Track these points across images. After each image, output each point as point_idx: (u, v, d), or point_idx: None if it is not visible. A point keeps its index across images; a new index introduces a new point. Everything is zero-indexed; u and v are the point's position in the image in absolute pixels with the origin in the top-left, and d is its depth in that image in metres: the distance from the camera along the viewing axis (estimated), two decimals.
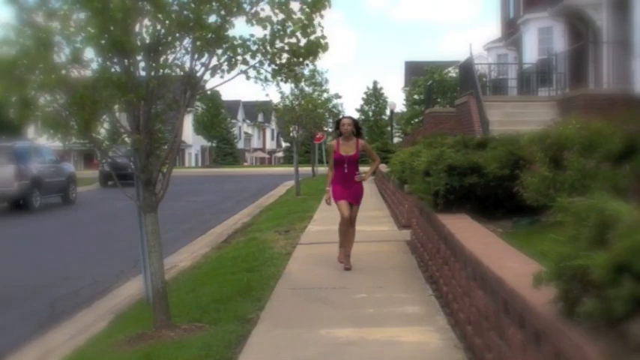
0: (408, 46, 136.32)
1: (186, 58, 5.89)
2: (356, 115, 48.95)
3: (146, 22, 5.68)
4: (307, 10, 5.87)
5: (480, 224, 6.10)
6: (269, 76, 6.15)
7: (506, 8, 26.95)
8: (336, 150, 8.14)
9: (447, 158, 6.97)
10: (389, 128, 43.19)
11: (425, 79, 34.52)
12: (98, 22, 5.25)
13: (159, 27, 5.66)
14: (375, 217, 12.53)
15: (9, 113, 6.02)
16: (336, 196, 8.13)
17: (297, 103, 20.51)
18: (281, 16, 5.89)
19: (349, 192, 8.08)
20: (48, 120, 5.73)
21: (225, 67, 5.96)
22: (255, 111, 37.65)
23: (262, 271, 8.31)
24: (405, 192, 10.44)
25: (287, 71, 6.13)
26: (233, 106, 71.19)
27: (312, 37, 5.96)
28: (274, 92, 41.99)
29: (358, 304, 6.34)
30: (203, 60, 5.88)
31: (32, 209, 19.20)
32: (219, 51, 5.86)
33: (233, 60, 5.90)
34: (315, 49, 5.97)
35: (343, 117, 8.62)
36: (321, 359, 4.91)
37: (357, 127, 8.27)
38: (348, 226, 8.11)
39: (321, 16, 5.91)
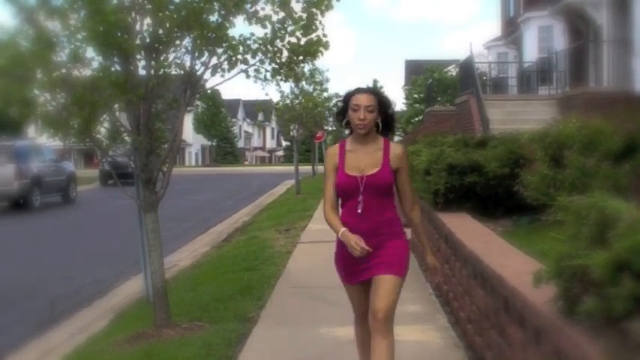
0: (408, 44, 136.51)
1: (187, 57, 5.89)
2: None
3: (146, 21, 5.67)
4: (310, 9, 5.86)
5: (480, 223, 6.10)
6: (269, 75, 6.15)
7: (506, 7, 26.94)
8: (340, 164, 3.77)
9: (447, 157, 6.97)
10: None
11: (425, 78, 34.50)
12: (94, 24, 5.25)
13: (158, 26, 5.66)
14: None
15: (9, 112, 6.03)
16: (342, 272, 3.90)
17: (297, 101, 20.52)
18: (281, 15, 5.89)
19: (368, 260, 3.67)
20: (48, 119, 5.73)
21: (225, 66, 5.95)
22: (255, 110, 37.62)
23: (263, 269, 8.32)
24: None
25: (287, 70, 6.13)
26: (233, 104, 71.20)
27: (312, 37, 5.95)
28: (274, 91, 41.96)
29: None
30: (203, 59, 5.87)
31: (32, 208, 19.20)
32: (220, 50, 5.86)
33: (233, 59, 5.90)
34: (315, 48, 5.97)
35: (357, 90, 3.79)
36: (322, 358, 4.91)
37: (385, 115, 3.81)
38: (367, 331, 3.80)
39: (322, 16, 5.90)
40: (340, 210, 3.80)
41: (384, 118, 3.80)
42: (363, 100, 3.70)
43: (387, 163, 3.73)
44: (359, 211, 3.67)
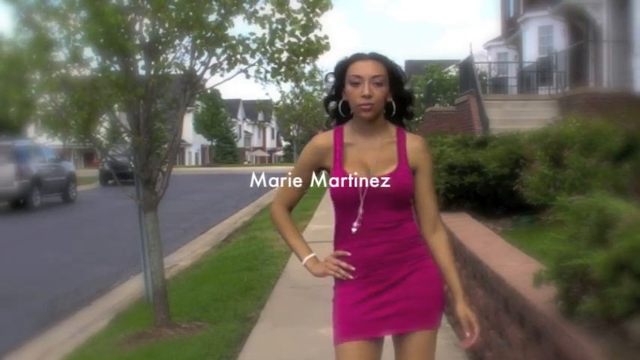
0: (408, 44, 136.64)
1: (186, 57, 5.90)
2: None
3: (145, 21, 5.67)
4: (307, 9, 5.85)
5: (480, 223, 6.10)
6: (269, 75, 6.15)
7: (506, 7, 26.97)
8: (336, 161, 2.52)
9: (447, 157, 6.98)
10: None
11: (425, 78, 34.54)
12: (94, 25, 5.24)
13: (158, 26, 5.65)
14: None
15: (9, 112, 6.02)
16: (340, 327, 2.47)
17: (297, 101, 20.56)
18: (280, 15, 5.88)
19: (388, 302, 2.44)
20: (48, 119, 5.73)
21: (224, 65, 5.95)
22: (255, 110, 37.65)
23: (262, 269, 8.32)
24: None
25: (287, 70, 6.12)
26: (233, 104, 71.18)
27: (311, 37, 5.95)
28: (274, 91, 42.08)
29: None
30: (203, 59, 5.87)
31: (32, 208, 19.20)
32: (219, 50, 5.86)
33: (233, 59, 5.90)
34: (315, 48, 5.96)
35: (356, 57, 2.47)
36: (321, 358, 4.90)
37: (400, 93, 2.51)
38: None
39: (319, 15, 5.89)
40: (334, 233, 2.58)
41: (398, 98, 2.52)
42: (367, 69, 2.42)
43: (405, 161, 2.49)
44: (353, 230, 2.45)
